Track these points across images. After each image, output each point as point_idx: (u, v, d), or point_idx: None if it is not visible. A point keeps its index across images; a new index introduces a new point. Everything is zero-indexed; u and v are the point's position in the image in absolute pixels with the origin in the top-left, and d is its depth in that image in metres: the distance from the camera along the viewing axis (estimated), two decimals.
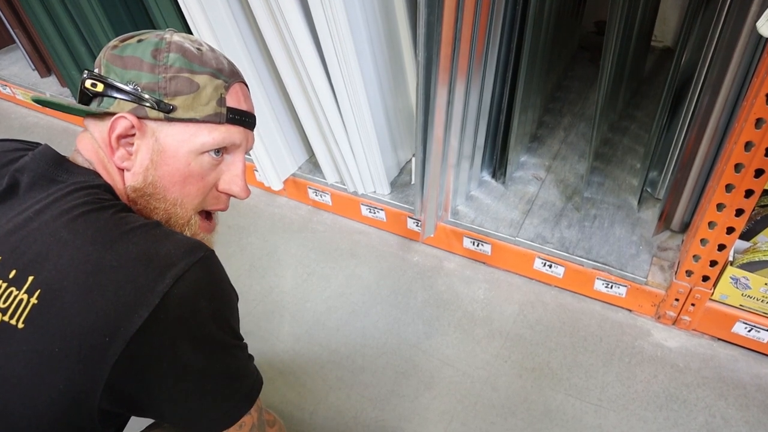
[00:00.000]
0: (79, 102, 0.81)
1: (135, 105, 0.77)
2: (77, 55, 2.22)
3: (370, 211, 1.85)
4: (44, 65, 2.71)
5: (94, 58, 2.11)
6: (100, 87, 0.77)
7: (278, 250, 1.87)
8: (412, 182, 1.82)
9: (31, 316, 0.64)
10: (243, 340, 0.80)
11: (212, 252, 0.73)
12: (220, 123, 0.81)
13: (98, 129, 0.79)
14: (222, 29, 1.52)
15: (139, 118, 0.77)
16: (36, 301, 0.64)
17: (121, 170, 0.80)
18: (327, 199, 1.94)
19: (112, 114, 0.77)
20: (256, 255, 1.86)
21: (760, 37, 1.13)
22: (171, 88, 0.77)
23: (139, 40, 0.79)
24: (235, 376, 0.77)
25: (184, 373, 0.70)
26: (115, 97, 0.77)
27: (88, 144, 0.80)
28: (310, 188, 1.96)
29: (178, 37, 0.80)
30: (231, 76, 0.83)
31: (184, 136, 0.79)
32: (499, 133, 1.69)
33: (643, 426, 1.30)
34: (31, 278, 0.65)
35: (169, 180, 0.80)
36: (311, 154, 2.01)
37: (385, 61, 1.61)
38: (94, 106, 0.79)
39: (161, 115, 0.77)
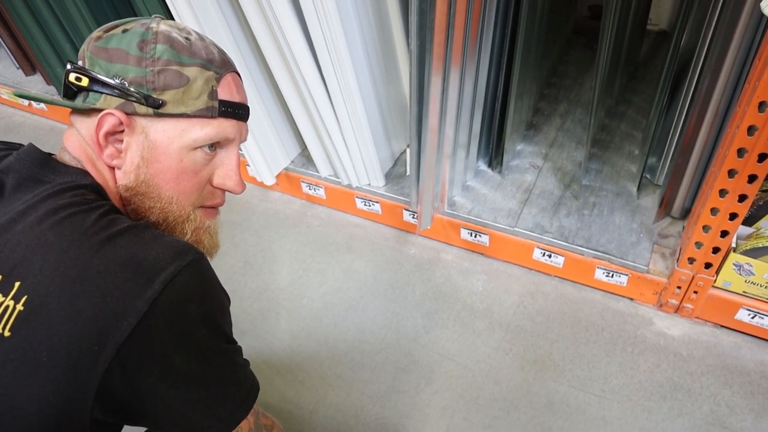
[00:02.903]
0: (64, 96, 0.77)
1: (122, 100, 0.73)
2: (62, 52, 2.17)
3: (365, 204, 1.82)
4: (29, 63, 2.65)
5: None
6: (84, 81, 0.73)
7: (272, 246, 1.84)
8: (407, 173, 1.79)
9: (18, 324, 0.61)
10: (237, 344, 0.78)
11: (202, 255, 0.70)
12: (212, 117, 0.77)
13: (85, 126, 0.76)
14: (207, 18, 1.48)
15: (127, 114, 0.73)
16: (22, 308, 0.61)
17: (112, 168, 0.77)
18: (321, 192, 1.91)
19: (99, 110, 0.73)
20: (250, 252, 1.83)
21: (762, 17, 1.11)
22: (159, 82, 0.73)
23: (124, 30, 0.75)
24: (230, 381, 0.75)
25: (176, 380, 0.67)
26: (101, 92, 0.73)
27: (75, 141, 0.77)
28: (303, 182, 1.93)
29: (165, 26, 0.76)
30: (222, 66, 0.79)
31: (175, 132, 0.76)
32: (495, 121, 1.67)
33: (648, 416, 1.29)
34: (17, 284, 0.62)
35: (162, 178, 0.77)
36: (303, 148, 1.98)
37: (377, 50, 1.57)
38: (79, 102, 0.75)
39: (150, 110, 0.74)
